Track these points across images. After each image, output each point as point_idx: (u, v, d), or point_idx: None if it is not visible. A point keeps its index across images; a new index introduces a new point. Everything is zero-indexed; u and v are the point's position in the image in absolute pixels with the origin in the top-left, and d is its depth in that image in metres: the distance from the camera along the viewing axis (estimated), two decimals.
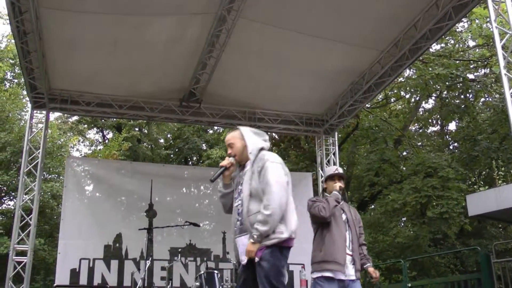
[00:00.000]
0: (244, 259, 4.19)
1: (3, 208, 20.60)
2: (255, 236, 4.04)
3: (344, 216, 5.43)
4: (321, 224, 5.30)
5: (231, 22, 8.60)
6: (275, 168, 4.21)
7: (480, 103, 19.68)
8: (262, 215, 4.04)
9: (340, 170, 5.70)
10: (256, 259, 4.08)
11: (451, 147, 21.60)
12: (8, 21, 8.43)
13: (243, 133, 4.51)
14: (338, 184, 5.49)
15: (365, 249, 5.66)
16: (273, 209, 4.03)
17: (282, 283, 4.11)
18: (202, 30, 9.04)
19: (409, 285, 10.78)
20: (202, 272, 7.90)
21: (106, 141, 25.44)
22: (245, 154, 4.40)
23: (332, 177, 5.59)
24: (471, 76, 17.67)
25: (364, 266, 5.55)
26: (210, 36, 9.12)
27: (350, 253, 5.26)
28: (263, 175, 4.17)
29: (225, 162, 4.45)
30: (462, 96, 18.97)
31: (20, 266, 9.90)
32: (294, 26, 8.85)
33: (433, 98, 20.25)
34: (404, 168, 19.03)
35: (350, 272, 5.19)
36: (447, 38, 17.20)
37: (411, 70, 17.53)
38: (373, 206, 21.41)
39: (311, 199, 5.51)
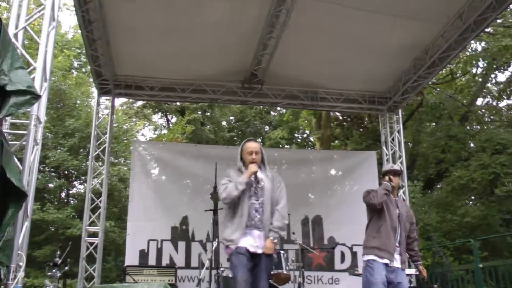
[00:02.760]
0: (259, 250, 5.21)
1: (74, 191, 21.37)
2: (277, 238, 5.30)
3: (397, 211, 5.99)
4: (376, 213, 5.94)
5: (290, 2, 8.52)
6: None
7: None
8: (282, 223, 5.38)
9: (396, 167, 6.28)
10: (274, 255, 5.65)
11: None
12: (74, 13, 8.67)
13: (262, 149, 5.60)
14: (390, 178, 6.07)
15: (417, 245, 6.31)
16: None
17: None
18: (261, 10, 9.00)
19: (481, 265, 10.46)
20: None
21: (170, 125, 25.86)
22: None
23: (386, 173, 6.18)
24: None
25: (415, 264, 6.32)
26: (270, 17, 9.06)
27: (398, 245, 5.89)
28: (280, 191, 5.56)
29: (255, 169, 5.40)
30: None
31: (92, 247, 10.29)
32: (354, 3, 8.67)
33: (502, 70, 19.43)
34: (470, 143, 18.45)
35: (398, 262, 5.83)
36: None
37: (479, 43, 16.95)
38: (439, 185, 20.91)
39: (366, 190, 6.11)
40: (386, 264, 5.69)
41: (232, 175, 5.45)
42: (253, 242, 5.23)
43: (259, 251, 5.21)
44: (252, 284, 5.14)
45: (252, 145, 5.54)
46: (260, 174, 5.45)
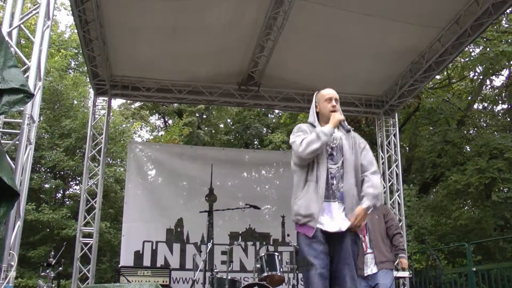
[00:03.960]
0: (343, 227, 3.95)
1: (70, 192, 21.34)
2: (371, 208, 4.01)
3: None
4: None
5: (288, 4, 8.52)
6: None
7: None
8: (377, 191, 4.08)
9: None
10: (360, 235, 4.19)
11: None
12: (71, 12, 8.66)
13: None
14: None
15: (398, 238, 6.28)
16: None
17: None
18: (259, 12, 9.00)
19: (474, 269, 10.51)
20: (262, 254, 7.96)
21: (167, 127, 25.85)
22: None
23: None
24: None
25: (398, 256, 6.36)
26: (268, 19, 9.07)
27: (371, 251, 6.06)
28: (366, 154, 4.24)
29: (341, 117, 4.22)
30: None
31: (87, 247, 10.25)
32: (352, 6, 8.68)
33: (498, 75, 19.49)
34: (468, 147, 18.48)
35: (370, 268, 6.00)
36: None
37: (477, 47, 16.97)
38: (435, 189, 20.93)
39: None
40: (363, 277, 5.94)
41: (306, 130, 4.24)
42: (330, 219, 3.98)
43: (343, 228, 3.96)
44: (331, 275, 3.93)
45: (331, 91, 4.39)
46: (336, 133, 4.22)
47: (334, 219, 3.97)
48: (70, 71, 23.61)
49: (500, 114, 20.58)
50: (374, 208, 4.05)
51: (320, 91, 4.48)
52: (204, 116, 24.06)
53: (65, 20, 37.00)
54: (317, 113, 4.39)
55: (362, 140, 4.32)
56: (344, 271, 3.88)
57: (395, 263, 6.43)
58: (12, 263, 4.69)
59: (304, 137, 4.07)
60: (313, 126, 4.28)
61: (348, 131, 4.30)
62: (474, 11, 8.76)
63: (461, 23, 9.09)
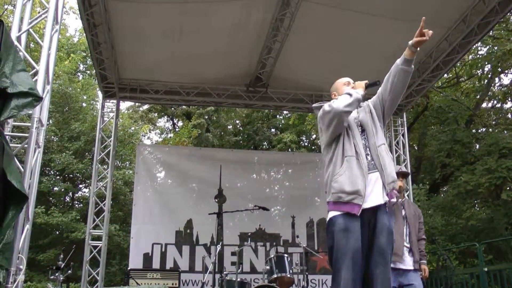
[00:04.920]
0: (382, 200, 3.74)
1: (79, 195, 21.42)
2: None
3: (403, 212, 5.95)
4: None
5: (294, 6, 8.53)
6: None
7: None
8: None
9: (404, 169, 6.16)
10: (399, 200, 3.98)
11: None
12: (79, 16, 8.71)
13: None
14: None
15: (423, 243, 6.12)
16: None
17: None
18: (266, 14, 9.01)
19: (486, 269, 10.42)
20: (272, 255, 7.93)
21: (176, 129, 25.89)
22: None
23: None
24: None
25: (420, 262, 5.99)
26: (274, 20, 9.08)
27: (408, 245, 5.80)
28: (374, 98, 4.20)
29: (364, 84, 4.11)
30: None
31: (96, 250, 10.28)
32: (358, 7, 8.67)
33: (507, 73, 19.39)
34: (477, 145, 18.37)
35: (408, 263, 5.71)
36: None
37: (484, 46, 16.90)
38: (445, 189, 20.83)
39: None
40: (393, 268, 5.40)
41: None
42: (374, 197, 3.73)
43: (382, 200, 3.74)
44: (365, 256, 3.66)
45: (348, 78, 4.32)
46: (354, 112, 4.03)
47: (373, 192, 3.73)
48: (79, 74, 23.71)
49: (509, 113, 20.47)
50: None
51: (336, 81, 4.38)
52: (214, 118, 24.06)
53: (74, 23, 37.18)
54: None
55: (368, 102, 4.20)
56: (375, 273, 3.63)
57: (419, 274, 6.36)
58: (21, 266, 4.70)
59: (334, 100, 3.94)
60: None
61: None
62: (481, 9, 8.75)
63: (468, 21, 9.08)
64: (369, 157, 3.82)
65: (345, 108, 3.78)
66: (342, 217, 3.68)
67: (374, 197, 3.72)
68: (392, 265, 5.17)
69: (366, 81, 4.12)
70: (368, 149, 3.87)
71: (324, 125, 3.95)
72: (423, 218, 6.36)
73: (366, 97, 4.11)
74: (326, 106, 3.89)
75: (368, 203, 3.68)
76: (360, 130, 3.95)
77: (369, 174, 3.76)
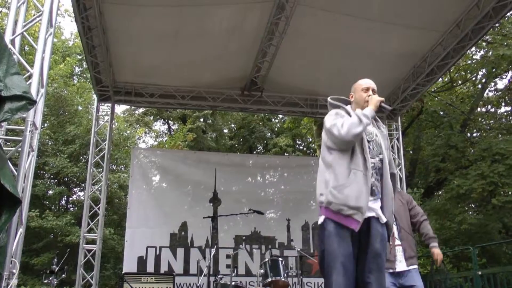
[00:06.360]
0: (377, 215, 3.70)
1: (74, 198, 21.37)
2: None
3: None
4: None
5: (289, 9, 8.54)
6: None
7: None
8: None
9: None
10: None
11: None
12: (74, 19, 8.70)
13: None
14: None
15: (426, 225, 5.59)
16: None
17: None
18: (261, 18, 9.02)
19: (479, 272, 10.44)
20: (266, 259, 7.91)
21: (172, 132, 25.87)
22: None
23: None
24: None
25: (429, 246, 5.50)
26: (270, 24, 9.09)
27: (399, 243, 5.33)
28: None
29: (381, 98, 3.97)
30: None
31: (90, 254, 10.25)
32: (353, 11, 8.69)
33: (502, 78, 19.46)
34: (472, 150, 18.42)
35: (402, 262, 5.28)
36: None
37: (479, 51, 16.97)
38: (440, 193, 20.86)
39: None
40: (391, 273, 5.20)
41: (344, 114, 3.97)
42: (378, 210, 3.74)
43: (375, 214, 3.74)
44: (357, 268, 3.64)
45: (369, 81, 4.18)
46: (371, 128, 3.97)
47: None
48: (75, 77, 23.68)
49: (503, 118, 20.53)
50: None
51: (358, 81, 4.25)
52: (209, 121, 24.06)
53: (69, 27, 37.14)
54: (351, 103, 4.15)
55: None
56: (370, 279, 3.59)
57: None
58: (14, 270, 4.69)
59: (344, 120, 3.79)
60: (349, 114, 3.94)
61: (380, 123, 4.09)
62: (475, 14, 8.79)
63: (462, 26, 9.11)
64: (373, 179, 3.74)
65: (352, 138, 3.70)
66: (334, 222, 3.63)
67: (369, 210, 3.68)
68: (390, 271, 5.14)
69: (383, 99, 3.98)
70: (375, 172, 3.79)
71: (329, 140, 3.90)
72: (415, 201, 5.87)
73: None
74: (334, 127, 3.80)
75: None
76: (370, 150, 3.83)
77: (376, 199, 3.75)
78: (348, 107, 3.99)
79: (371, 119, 3.82)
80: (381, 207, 3.76)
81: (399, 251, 5.33)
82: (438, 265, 5.66)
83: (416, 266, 5.41)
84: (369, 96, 4.00)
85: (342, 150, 3.78)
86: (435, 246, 5.46)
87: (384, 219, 3.74)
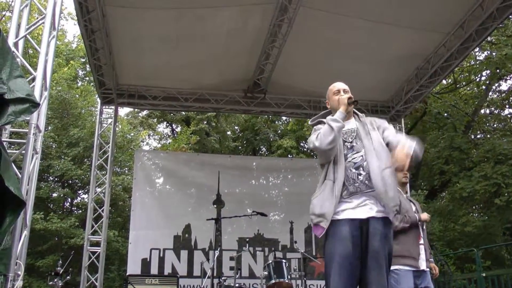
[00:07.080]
0: (380, 214, 3.67)
1: (78, 201, 21.38)
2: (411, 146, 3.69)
3: (413, 208, 5.36)
4: None
5: (292, 11, 8.56)
6: None
7: None
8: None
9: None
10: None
11: None
12: (77, 22, 8.73)
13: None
14: None
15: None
16: None
17: None
18: (264, 20, 9.04)
19: (483, 274, 10.42)
20: (270, 261, 7.92)
21: (175, 135, 25.88)
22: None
23: None
24: None
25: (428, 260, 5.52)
26: (272, 26, 9.11)
27: (422, 242, 5.27)
28: (388, 132, 3.99)
29: (347, 95, 3.99)
30: None
31: (95, 256, 10.27)
32: (356, 12, 8.70)
33: (506, 80, 19.40)
34: (475, 151, 18.38)
35: (422, 263, 5.21)
36: None
37: (482, 52, 16.95)
38: (443, 194, 20.82)
39: None
40: (414, 270, 5.08)
41: (319, 127, 3.92)
42: (362, 210, 3.67)
43: (379, 214, 3.68)
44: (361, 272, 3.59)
45: (338, 83, 4.22)
46: (352, 123, 4.00)
47: (360, 208, 3.68)
48: (78, 80, 23.72)
49: (507, 119, 20.49)
50: (417, 152, 3.70)
51: (329, 88, 4.25)
52: (213, 124, 24.05)
53: (73, 29, 37.20)
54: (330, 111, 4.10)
55: (377, 120, 4.11)
56: (370, 278, 3.55)
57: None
58: (19, 272, 4.71)
59: (318, 132, 3.79)
60: None
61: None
62: (479, 15, 8.77)
63: (466, 27, 9.11)
64: (361, 177, 3.71)
65: (328, 147, 3.71)
66: (332, 224, 3.67)
67: (365, 211, 3.67)
68: (409, 268, 4.99)
69: (349, 95, 4.00)
70: (361, 168, 3.74)
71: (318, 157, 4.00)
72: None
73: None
74: (311, 143, 3.85)
75: (356, 215, 3.66)
76: (354, 146, 3.84)
77: (360, 197, 3.70)
78: (329, 118, 3.87)
79: (342, 120, 3.79)
80: (380, 200, 3.70)
81: (422, 250, 5.25)
82: (436, 276, 5.79)
83: (429, 269, 5.38)
84: (341, 96, 4.03)
85: (327, 161, 3.83)
86: (432, 261, 5.63)
87: (380, 214, 3.69)
